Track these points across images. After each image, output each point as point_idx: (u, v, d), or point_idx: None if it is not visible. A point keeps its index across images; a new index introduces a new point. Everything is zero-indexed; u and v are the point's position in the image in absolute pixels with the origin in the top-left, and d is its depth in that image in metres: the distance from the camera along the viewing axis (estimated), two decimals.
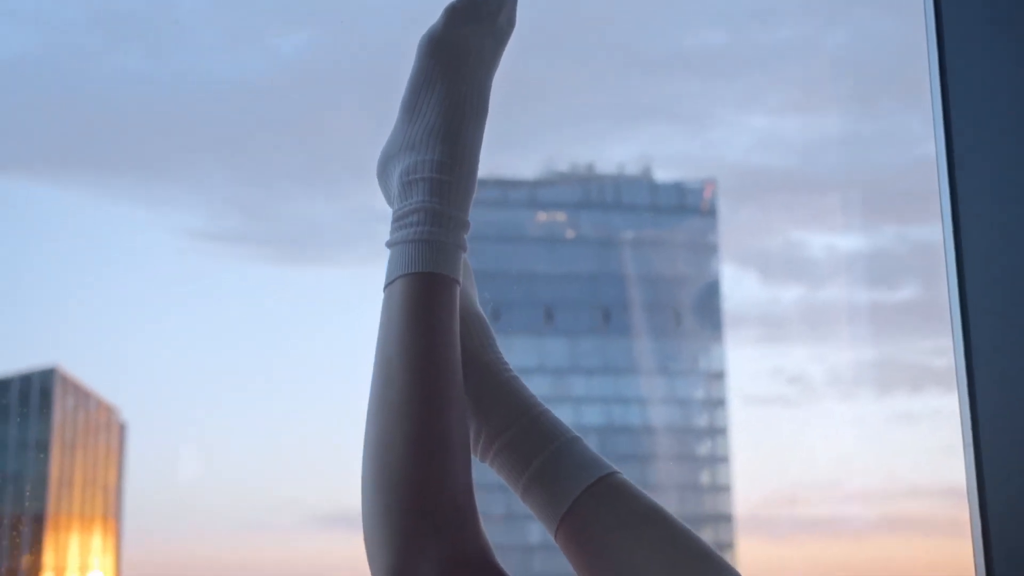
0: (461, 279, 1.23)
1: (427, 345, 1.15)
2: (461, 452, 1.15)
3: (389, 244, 1.22)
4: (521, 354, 45.69)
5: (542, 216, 47.11)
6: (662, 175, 49.49)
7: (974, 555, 1.39)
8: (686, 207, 47.80)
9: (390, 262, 1.21)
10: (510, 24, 1.31)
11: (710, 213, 47.99)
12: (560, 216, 47.28)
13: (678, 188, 48.06)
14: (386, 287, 1.20)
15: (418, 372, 1.13)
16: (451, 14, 1.26)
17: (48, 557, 30.72)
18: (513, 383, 1.24)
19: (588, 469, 1.17)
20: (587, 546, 1.14)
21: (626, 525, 1.13)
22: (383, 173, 1.29)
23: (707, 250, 47.71)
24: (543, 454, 1.19)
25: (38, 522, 31.23)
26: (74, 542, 32.35)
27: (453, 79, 1.24)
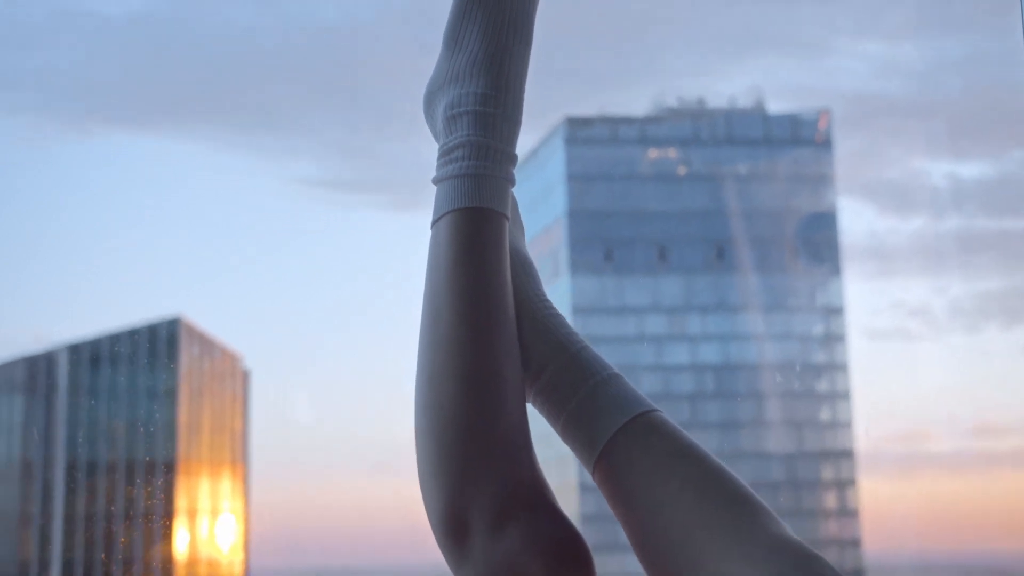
0: (510, 214, 1.20)
1: (476, 281, 1.13)
2: (513, 388, 1.12)
3: (435, 180, 1.19)
4: (635, 293, 45.56)
5: (653, 153, 46.69)
6: (774, 106, 48.60)
7: None
8: (800, 139, 46.91)
9: (437, 199, 1.18)
10: None
11: (825, 144, 47.03)
12: (671, 152, 46.81)
13: (791, 119, 47.15)
14: (433, 224, 1.17)
15: (467, 308, 1.11)
16: None
17: (180, 501, 31.78)
18: (552, 320, 1.20)
19: (624, 407, 1.13)
20: (621, 486, 1.11)
21: (659, 464, 1.09)
22: (428, 108, 1.26)
23: (822, 182, 46.82)
24: (580, 393, 1.15)
25: (169, 468, 32.31)
26: (204, 486, 33.38)
27: (494, 7, 1.21)
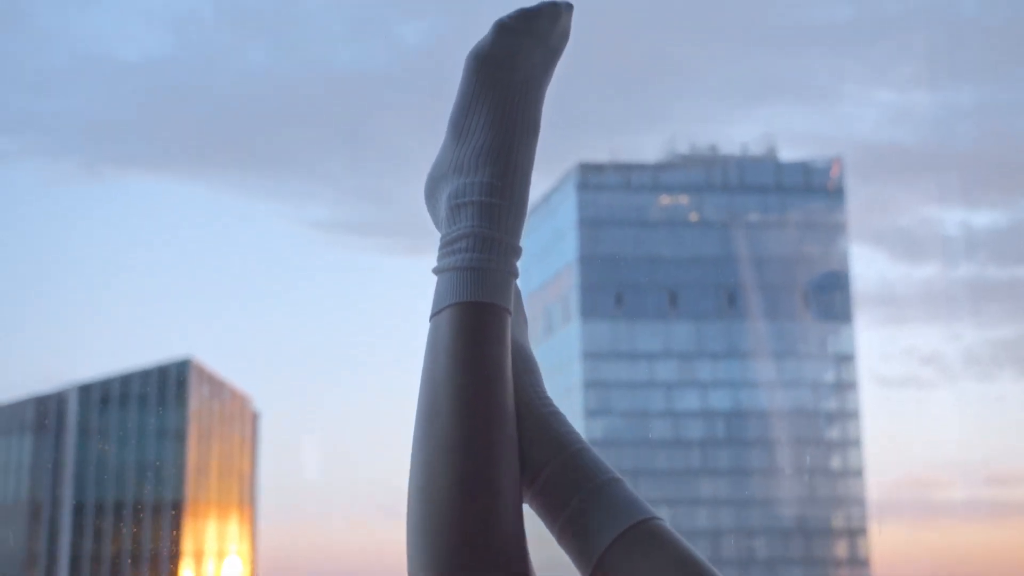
0: (512, 309, 1.16)
1: (476, 379, 1.09)
2: (510, 494, 1.09)
3: (436, 271, 1.16)
4: (646, 338, 45.49)
5: (665, 199, 46.78)
6: (786, 154, 48.76)
7: None
8: (812, 186, 46.96)
9: (437, 290, 1.14)
10: (564, 38, 1.23)
11: (837, 192, 47.07)
12: (683, 199, 46.89)
13: (804, 167, 47.24)
14: (433, 315, 1.14)
15: (465, 407, 1.08)
16: (500, 29, 1.19)
17: (187, 542, 31.65)
18: (552, 418, 1.16)
19: (623, 514, 1.10)
20: None
21: (658, 574, 1.06)
22: (431, 196, 1.23)
23: (835, 230, 46.82)
24: (577, 496, 1.11)
25: (177, 509, 32.21)
26: (212, 528, 33.26)
27: (502, 97, 1.18)
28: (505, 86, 1.19)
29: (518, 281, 1.19)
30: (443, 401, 1.09)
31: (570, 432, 1.16)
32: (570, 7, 1.22)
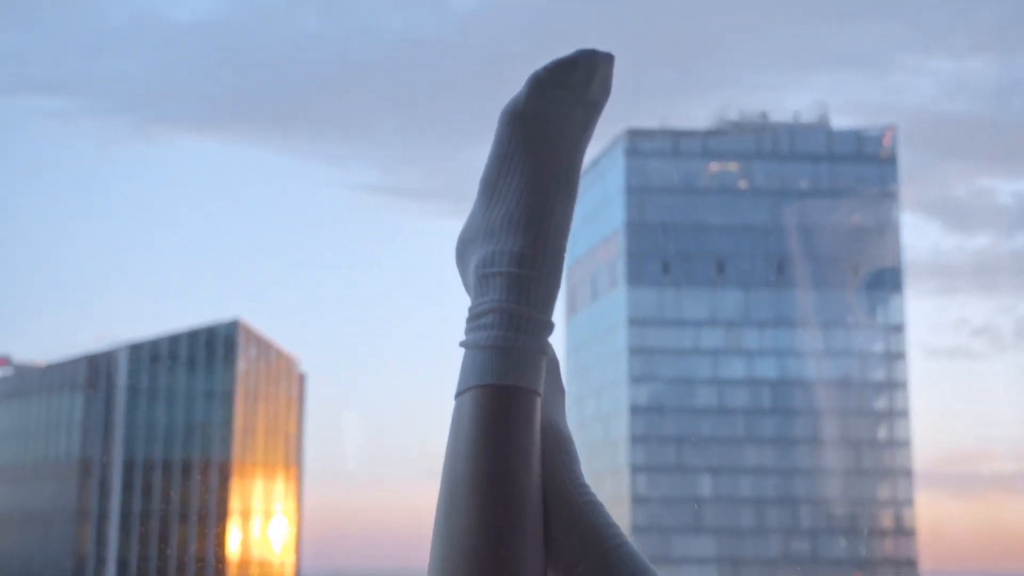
0: (542, 389, 1.08)
1: (499, 470, 1.02)
2: None
3: (463, 345, 1.09)
4: (693, 306, 45.32)
5: (714, 166, 46.43)
6: (839, 122, 48.15)
7: None
8: (864, 155, 46.42)
9: (463, 367, 1.07)
10: (605, 92, 1.14)
11: (890, 160, 46.50)
12: (732, 166, 46.51)
13: (856, 135, 46.67)
14: (457, 395, 1.07)
15: (487, 502, 1.01)
16: (536, 84, 1.11)
17: (234, 501, 32.02)
18: (588, 509, 1.08)
19: None
20: None
21: None
22: (460, 258, 1.16)
23: (887, 199, 46.28)
24: None
25: (224, 468, 32.57)
26: (258, 487, 33.61)
27: (537, 157, 1.10)
28: (541, 145, 1.11)
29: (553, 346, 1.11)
30: (462, 493, 1.03)
31: (609, 525, 1.08)
32: (610, 58, 1.13)
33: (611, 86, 1.14)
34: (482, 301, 1.09)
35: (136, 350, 33.16)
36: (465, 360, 1.07)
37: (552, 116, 1.11)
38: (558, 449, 1.10)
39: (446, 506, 1.03)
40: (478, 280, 1.10)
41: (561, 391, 1.15)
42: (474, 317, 1.09)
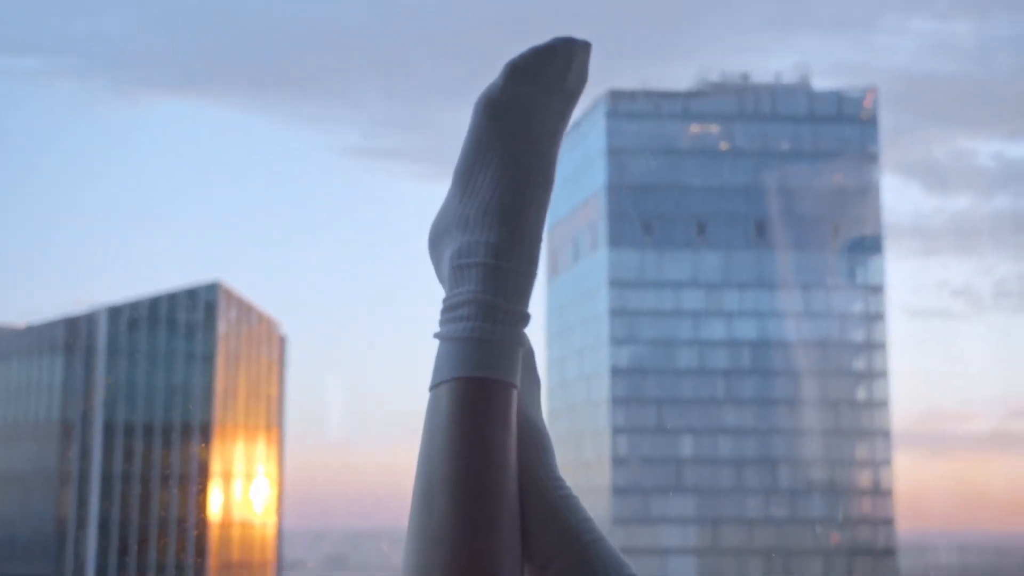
0: (518, 381, 1.07)
1: (475, 463, 1.01)
2: None
3: (437, 336, 1.07)
4: (673, 267, 45.40)
5: (695, 128, 46.37)
6: (820, 83, 48.12)
7: None
8: (845, 116, 46.44)
9: (438, 359, 1.06)
10: (581, 80, 1.13)
11: (871, 122, 46.54)
12: (713, 128, 46.47)
13: (837, 96, 46.67)
14: (432, 387, 1.06)
15: (463, 496, 1.00)
16: (512, 72, 1.10)
17: (215, 464, 32.05)
18: (564, 503, 1.08)
19: None
20: None
21: None
22: (434, 249, 1.14)
23: (867, 160, 46.37)
24: None
25: (205, 431, 32.57)
26: (239, 450, 33.64)
27: (514, 147, 1.08)
28: (517, 135, 1.09)
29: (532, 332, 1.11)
30: (439, 487, 1.01)
31: (584, 520, 1.08)
32: (587, 45, 1.10)
33: (587, 74, 1.13)
34: (457, 292, 1.07)
35: (116, 312, 33.02)
36: (440, 352, 1.06)
37: (529, 105, 1.10)
38: (533, 443, 1.09)
39: (422, 500, 1.02)
40: (453, 271, 1.08)
41: (537, 383, 1.14)
42: (449, 308, 1.07)
